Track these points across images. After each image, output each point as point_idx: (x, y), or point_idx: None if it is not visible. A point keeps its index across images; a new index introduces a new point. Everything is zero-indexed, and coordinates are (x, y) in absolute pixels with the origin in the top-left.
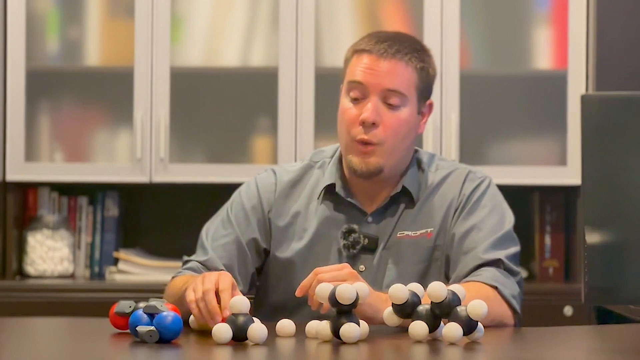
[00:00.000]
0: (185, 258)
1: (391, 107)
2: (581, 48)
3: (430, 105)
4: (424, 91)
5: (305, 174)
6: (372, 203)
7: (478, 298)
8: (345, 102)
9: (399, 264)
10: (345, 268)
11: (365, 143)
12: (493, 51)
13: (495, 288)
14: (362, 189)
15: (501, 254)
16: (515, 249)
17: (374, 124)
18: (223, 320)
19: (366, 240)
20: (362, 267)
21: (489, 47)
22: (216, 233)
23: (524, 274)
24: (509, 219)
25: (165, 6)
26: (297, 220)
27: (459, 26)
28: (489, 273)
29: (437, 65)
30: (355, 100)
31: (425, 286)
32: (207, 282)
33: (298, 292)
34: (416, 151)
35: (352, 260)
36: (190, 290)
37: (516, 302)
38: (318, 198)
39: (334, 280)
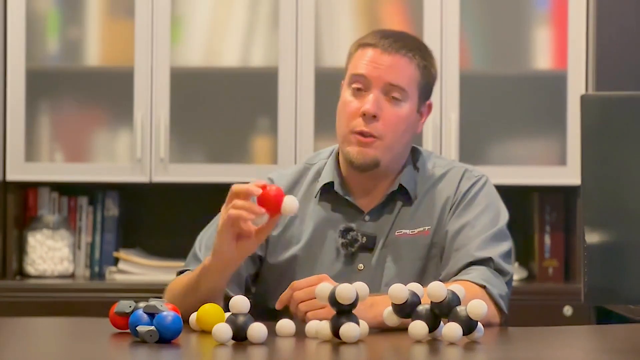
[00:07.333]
0: (180, 269)
1: (392, 101)
2: (581, 48)
3: (430, 106)
4: (425, 90)
5: (301, 176)
6: (370, 201)
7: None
8: (346, 95)
9: (397, 262)
10: (323, 280)
11: (364, 134)
12: (493, 51)
13: (484, 287)
14: (359, 187)
15: (492, 252)
16: (507, 246)
17: (374, 117)
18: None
19: (364, 239)
20: (360, 266)
21: (489, 47)
22: (209, 241)
23: (523, 274)
24: (503, 216)
25: (165, 6)
26: (294, 223)
27: (459, 26)
28: (478, 272)
29: (437, 65)
30: (357, 93)
31: (423, 284)
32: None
33: (278, 305)
34: (414, 149)
35: (350, 259)
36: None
37: (503, 302)
38: (315, 197)
39: (309, 294)
